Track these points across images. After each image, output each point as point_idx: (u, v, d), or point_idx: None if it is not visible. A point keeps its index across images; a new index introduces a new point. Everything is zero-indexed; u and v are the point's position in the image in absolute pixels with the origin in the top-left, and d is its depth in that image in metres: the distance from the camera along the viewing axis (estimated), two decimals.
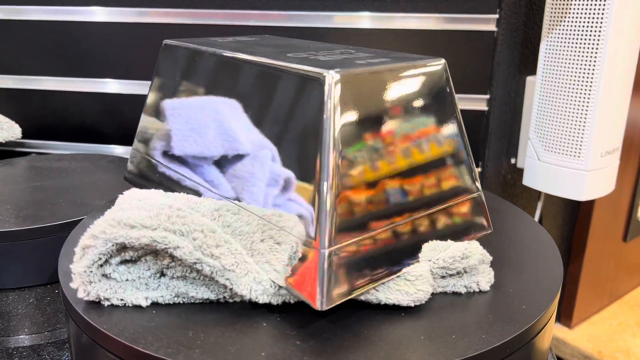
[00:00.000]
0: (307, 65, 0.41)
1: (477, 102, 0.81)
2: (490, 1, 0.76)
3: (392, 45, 0.79)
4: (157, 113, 0.55)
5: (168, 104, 0.54)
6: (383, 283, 0.41)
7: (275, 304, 0.41)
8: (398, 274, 0.41)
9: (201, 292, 0.41)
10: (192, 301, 0.42)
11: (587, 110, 0.75)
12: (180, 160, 0.51)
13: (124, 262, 0.41)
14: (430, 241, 0.44)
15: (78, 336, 0.42)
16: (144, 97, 0.89)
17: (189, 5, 0.83)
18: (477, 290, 0.44)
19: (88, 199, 0.66)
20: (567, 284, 1.07)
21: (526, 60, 0.83)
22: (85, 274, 0.40)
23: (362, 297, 0.41)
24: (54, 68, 0.90)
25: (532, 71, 0.84)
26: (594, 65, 0.73)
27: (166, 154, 0.53)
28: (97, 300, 0.41)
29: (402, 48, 0.79)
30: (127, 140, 0.92)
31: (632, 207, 1.11)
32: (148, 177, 0.54)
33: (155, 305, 0.41)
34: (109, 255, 0.40)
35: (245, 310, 0.41)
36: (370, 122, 0.41)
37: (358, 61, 0.44)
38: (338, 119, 0.39)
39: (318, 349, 0.37)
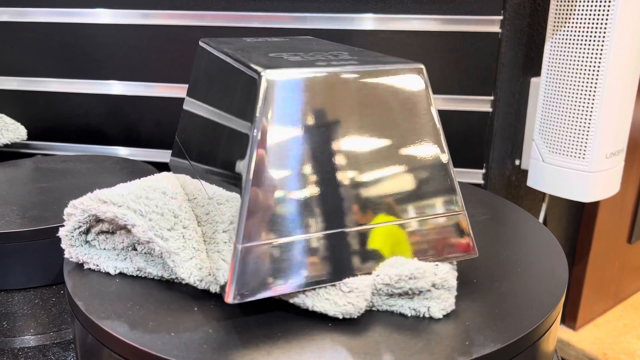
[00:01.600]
0: (257, 65, 0.40)
1: (481, 104, 0.81)
2: (494, 3, 0.76)
3: (396, 47, 0.79)
4: (187, 109, 0.59)
5: (187, 101, 0.59)
6: (314, 289, 0.40)
7: (213, 291, 0.42)
8: (334, 283, 0.40)
9: (157, 270, 0.44)
10: (151, 277, 0.45)
11: (591, 112, 0.75)
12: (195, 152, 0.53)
13: (103, 232, 0.46)
14: (394, 256, 0.42)
15: (83, 337, 0.42)
16: (148, 98, 0.89)
17: (192, 7, 0.83)
18: (427, 315, 0.40)
19: None
20: (571, 285, 1.06)
21: (530, 61, 0.83)
22: (67, 237, 0.46)
23: (292, 300, 0.40)
24: (59, 70, 0.91)
25: (537, 72, 0.84)
26: (599, 67, 0.73)
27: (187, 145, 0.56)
28: (78, 262, 0.46)
29: (406, 50, 0.79)
30: (131, 142, 0.92)
31: (637, 208, 1.11)
32: (179, 164, 0.58)
33: (159, 305, 0.42)
34: (87, 225, 0.46)
35: (191, 293, 0.43)
36: (314, 125, 0.40)
37: (320, 63, 0.42)
38: (269, 119, 0.38)
39: (219, 340, 0.37)
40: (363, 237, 0.41)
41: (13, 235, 0.59)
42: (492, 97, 0.80)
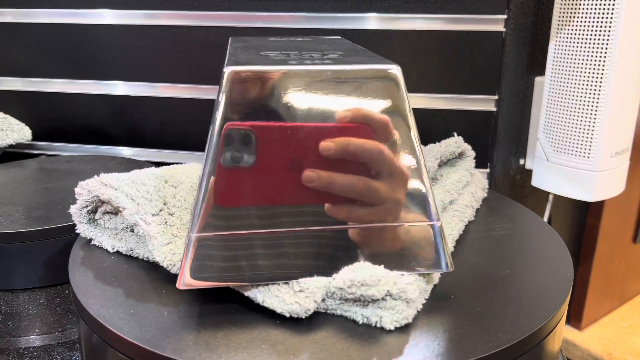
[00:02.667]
0: (230, 62, 0.41)
1: (485, 103, 0.80)
2: (498, 1, 0.76)
3: (399, 47, 0.79)
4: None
5: None
6: (266, 285, 0.40)
7: None
8: (288, 281, 0.40)
9: (144, 252, 0.48)
10: (142, 258, 0.48)
11: (596, 111, 0.74)
12: None
13: (107, 213, 0.50)
14: (360, 261, 0.41)
15: (88, 336, 0.43)
16: (152, 99, 0.89)
17: (196, 8, 0.83)
18: (378, 325, 0.39)
19: None
20: (576, 285, 1.06)
21: (534, 60, 0.83)
22: (77, 215, 0.51)
23: (246, 294, 0.41)
24: (62, 70, 0.91)
25: (541, 72, 0.83)
26: (604, 65, 0.72)
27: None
28: (86, 238, 0.51)
29: (409, 49, 0.79)
30: (135, 142, 0.92)
31: None
32: None
33: (164, 305, 0.42)
34: (94, 204, 0.50)
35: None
36: (271, 122, 0.40)
37: (293, 62, 0.42)
38: (227, 114, 0.39)
39: (162, 323, 0.39)
40: (323, 237, 0.41)
41: (18, 236, 0.59)
42: (496, 97, 0.80)
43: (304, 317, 0.39)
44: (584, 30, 0.73)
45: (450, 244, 0.49)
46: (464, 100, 0.81)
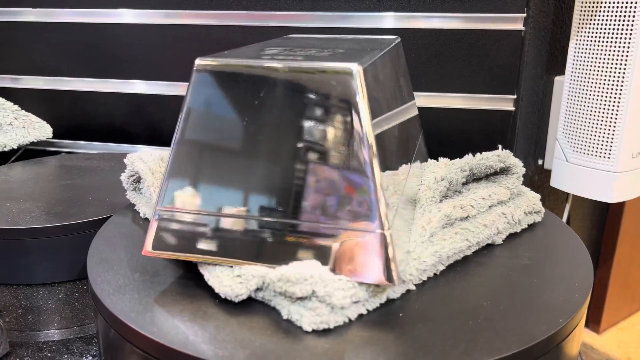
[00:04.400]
0: (206, 56, 0.44)
1: (504, 103, 0.80)
2: (518, 0, 0.75)
3: (415, 46, 0.79)
4: None
5: None
6: (214, 265, 0.42)
7: None
8: (232, 265, 0.42)
9: None
10: None
11: (617, 110, 0.73)
12: None
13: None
14: (309, 258, 0.41)
15: (106, 331, 0.43)
16: (171, 97, 0.90)
17: (215, 7, 0.84)
18: (298, 324, 0.39)
19: (115, 197, 0.67)
20: (595, 288, 1.05)
21: (554, 59, 0.82)
22: (124, 181, 0.60)
23: (201, 270, 0.43)
24: (83, 69, 0.92)
25: (561, 71, 0.82)
26: (625, 64, 0.71)
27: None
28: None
29: (428, 49, 0.79)
30: (154, 140, 0.93)
31: None
32: None
33: (178, 303, 0.42)
34: (136, 174, 0.59)
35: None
36: (234, 114, 0.42)
37: (265, 57, 0.43)
38: (193, 103, 0.42)
39: (177, 319, 0.40)
40: (272, 229, 0.41)
41: (38, 231, 0.60)
42: (514, 96, 0.79)
43: (235, 301, 0.41)
44: (605, 28, 0.72)
45: (430, 260, 0.45)
46: (482, 99, 0.80)
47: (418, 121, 0.66)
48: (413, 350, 0.37)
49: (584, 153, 0.78)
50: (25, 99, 0.95)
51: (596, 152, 0.76)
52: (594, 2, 0.73)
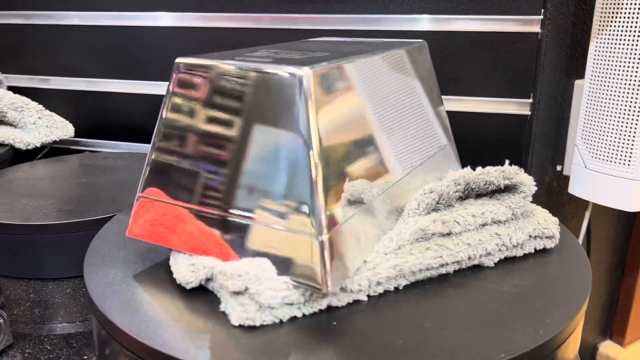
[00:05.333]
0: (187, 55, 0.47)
1: (519, 106, 0.78)
2: (534, 2, 0.73)
3: (429, 48, 0.78)
4: None
5: None
6: (178, 252, 0.45)
7: None
8: (191, 254, 0.44)
9: None
10: None
11: (638, 116, 0.70)
12: None
13: None
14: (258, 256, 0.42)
15: (98, 330, 0.44)
16: None
17: (230, 10, 0.85)
18: (228, 318, 0.40)
19: (126, 196, 0.69)
20: (620, 300, 1.01)
21: (575, 63, 0.80)
22: None
23: (170, 256, 0.46)
24: (107, 70, 0.95)
25: (581, 74, 0.80)
26: None
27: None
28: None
29: (441, 51, 0.78)
30: None
31: None
32: None
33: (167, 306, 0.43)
34: None
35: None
36: (203, 109, 0.44)
37: (238, 58, 0.45)
38: (172, 98, 0.45)
39: (166, 321, 0.41)
40: (225, 224, 0.43)
41: (49, 227, 0.62)
42: (530, 100, 0.77)
43: (187, 287, 0.43)
44: (626, 30, 0.70)
45: (387, 273, 0.43)
46: (497, 103, 0.79)
47: (438, 129, 0.62)
48: None
49: (603, 159, 0.75)
50: (51, 99, 0.98)
51: (616, 158, 0.74)
52: (615, 3, 0.70)
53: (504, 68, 0.77)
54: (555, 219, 0.53)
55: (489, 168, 0.51)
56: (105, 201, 0.68)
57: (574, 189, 0.79)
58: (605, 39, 0.72)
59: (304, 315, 0.41)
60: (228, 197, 0.43)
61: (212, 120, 0.43)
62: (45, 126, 0.88)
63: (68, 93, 0.98)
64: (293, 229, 0.40)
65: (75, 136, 0.97)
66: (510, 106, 0.78)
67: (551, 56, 0.77)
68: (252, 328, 0.39)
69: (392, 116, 0.51)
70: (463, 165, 0.63)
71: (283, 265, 0.40)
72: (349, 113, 0.44)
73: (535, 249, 0.51)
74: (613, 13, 0.71)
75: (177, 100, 0.44)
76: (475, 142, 0.81)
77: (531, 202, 0.52)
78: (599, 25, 0.72)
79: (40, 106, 0.91)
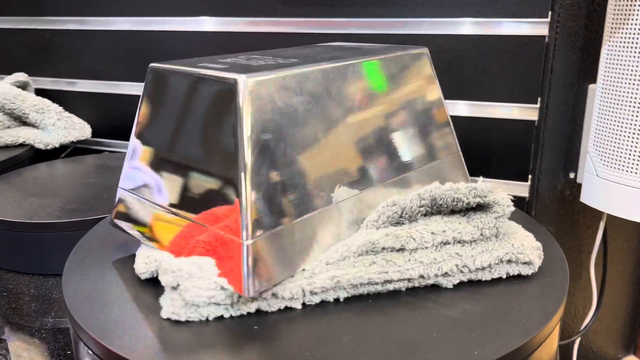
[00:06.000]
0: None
1: (526, 111, 0.76)
2: (541, 4, 0.71)
3: (433, 52, 0.77)
4: None
5: None
6: (145, 245, 0.48)
7: None
8: (155, 246, 0.47)
9: None
10: None
11: None
12: None
13: None
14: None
15: (71, 326, 0.46)
16: None
17: (240, 14, 0.86)
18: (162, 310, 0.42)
19: None
20: None
21: (588, 66, 0.76)
22: None
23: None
24: (126, 74, 0.98)
25: (595, 78, 0.77)
26: None
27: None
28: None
29: (446, 54, 0.76)
30: None
31: None
32: None
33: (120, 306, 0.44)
34: None
35: None
36: (156, 113, 0.47)
37: (201, 64, 0.47)
38: (145, 100, 0.48)
39: (131, 322, 0.40)
40: (175, 222, 0.45)
41: (50, 225, 0.65)
42: (538, 105, 0.75)
43: (142, 278, 0.46)
44: (639, 32, 0.66)
45: (323, 283, 0.43)
46: (503, 107, 0.76)
47: (429, 141, 0.58)
48: None
49: (616, 168, 0.72)
50: (74, 101, 1.03)
51: (629, 167, 0.70)
52: (627, 5, 0.67)
53: (510, 72, 0.74)
54: (537, 244, 0.49)
55: (461, 184, 0.48)
56: (106, 201, 0.70)
57: (586, 197, 0.76)
58: (617, 41, 0.69)
59: (232, 316, 0.42)
60: (179, 198, 0.45)
61: (165, 123, 0.46)
62: (64, 127, 0.92)
63: (90, 95, 1.02)
64: (226, 232, 0.41)
65: (98, 137, 1.00)
66: (516, 111, 0.76)
67: (561, 60, 0.75)
68: (179, 322, 0.41)
69: (357, 126, 0.49)
70: (470, 173, 0.62)
71: (220, 266, 0.42)
72: (296, 121, 0.44)
73: (508, 275, 0.47)
74: (626, 15, 0.67)
75: (145, 102, 0.48)
76: (481, 148, 0.79)
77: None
78: (611, 28, 0.69)
79: (60, 108, 0.95)
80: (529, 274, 0.47)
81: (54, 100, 0.97)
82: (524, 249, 0.47)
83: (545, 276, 0.48)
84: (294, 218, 0.43)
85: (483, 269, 0.46)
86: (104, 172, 0.82)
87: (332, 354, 0.38)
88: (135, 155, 0.48)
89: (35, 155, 0.92)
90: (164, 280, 0.42)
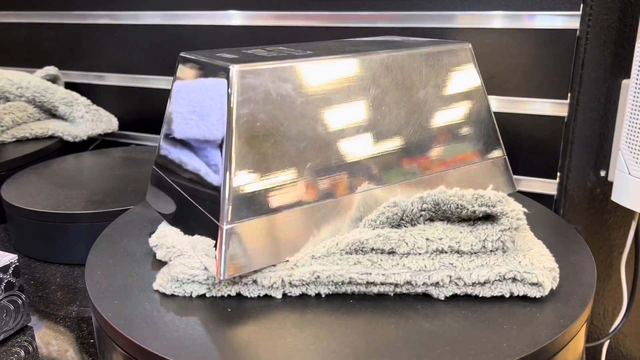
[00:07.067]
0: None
1: (555, 107, 0.74)
2: None
3: None
4: None
5: None
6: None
7: None
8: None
9: None
10: None
11: None
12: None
13: None
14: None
15: (93, 317, 0.47)
16: None
17: (265, 8, 0.86)
18: None
19: None
20: None
21: (622, 61, 0.74)
22: None
23: None
24: (153, 67, 0.99)
25: (629, 74, 0.74)
26: None
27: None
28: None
29: (475, 48, 0.75)
30: None
31: None
32: None
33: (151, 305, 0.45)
34: None
35: None
36: (181, 98, 0.50)
37: (218, 54, 0.49)
38: (175, 88, 0.51)
39: (152, 318, 0.40)
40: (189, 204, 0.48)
41: (75, 216, 0.66)
42: (568, 101, 0.73)
43: (153, 250, 0.50)
44: None
45: (302, 276, 0.43)
46: (532, 103, 0.75)
47: (458, 141, 0.55)
48: (181, 339, 0.39)
49: None
50: (102, 94, 1.04)
51: None
52: None
53: (539, 66, 0.73)
54: (553, 265, 0.43)
55: (469, 190, 0.44)
56: (130, 193, 0.71)
57: (618, 196, 0.74)
58: None
59: (215, 296, 0.44)
60: (185, 181, 0.48)
61: (182, 106, 0.49)
62: (91, 120, 0.93)
63: (119, 89, 1.03)
64: (211, 215, 0.43)
65: (125, 130, 1.02)
66: (546, 107, 0.74)
67: (593, 54, 0.72)
68: (167, 295, 0.44)
69: (367, 121, 0.48)
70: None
71: (216, 247, 0.43)
72: (293, 113, 0.44)
73: (512, 294, 0.43)
74: None
75: (172, 87, 0.51)
76: (509, 144, 0.77)
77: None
78: None
79: (89, 101, 0.96)
80: (538, 296, 0.42)
81: (82, 94, 0.99)
82: (532, 268, 0.42)
83: (558, 301, 0.42)
84: (280, 209, 0.43)
85: (482, 284, 0.42)
86: (130, 164, 0.83)
87: (284, 345, 0.38)
88: (165, 136, 0.52)
89: (64, 147, 0.94)
90: (158, 254, 0.47)
